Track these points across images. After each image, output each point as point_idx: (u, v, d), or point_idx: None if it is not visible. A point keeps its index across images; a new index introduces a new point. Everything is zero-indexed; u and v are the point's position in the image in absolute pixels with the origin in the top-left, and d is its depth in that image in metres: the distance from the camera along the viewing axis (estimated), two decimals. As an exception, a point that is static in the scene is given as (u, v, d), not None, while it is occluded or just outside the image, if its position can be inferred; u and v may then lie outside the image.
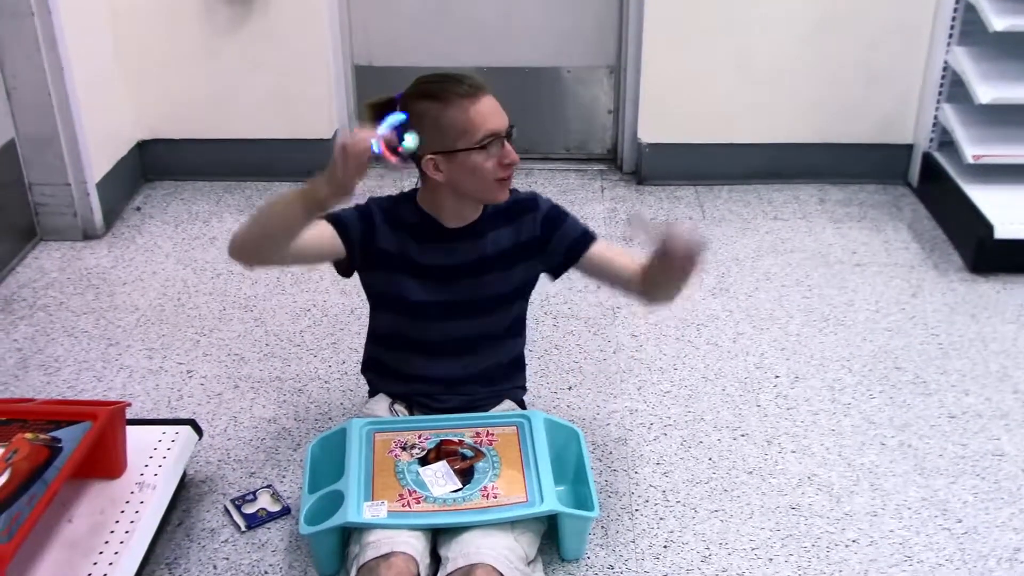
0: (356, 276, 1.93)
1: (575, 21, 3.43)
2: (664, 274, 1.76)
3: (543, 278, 2.00)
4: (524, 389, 2.10)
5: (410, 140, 1.65)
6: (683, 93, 3.35)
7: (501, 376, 2.01)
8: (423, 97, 1.72)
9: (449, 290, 1.89)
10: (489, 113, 1.72)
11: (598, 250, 1.90)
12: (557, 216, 1.92)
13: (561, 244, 1.90)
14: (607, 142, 3.64)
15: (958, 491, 2.04)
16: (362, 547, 1.65)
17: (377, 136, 1.57)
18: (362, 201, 1.87)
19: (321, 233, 1.77)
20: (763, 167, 3.45)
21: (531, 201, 1.92)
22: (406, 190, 1.91)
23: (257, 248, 1.69)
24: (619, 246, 1.97)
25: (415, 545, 1.65)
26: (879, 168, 3.46)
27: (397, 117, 1.65)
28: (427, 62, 3.48)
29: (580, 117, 3.61)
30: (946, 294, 2.78)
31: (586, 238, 1.90)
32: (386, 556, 1.61)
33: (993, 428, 2.23)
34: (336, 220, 1.81)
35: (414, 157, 1.73)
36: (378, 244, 1.85)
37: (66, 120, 2.88)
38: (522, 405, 2.06)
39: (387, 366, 1.99)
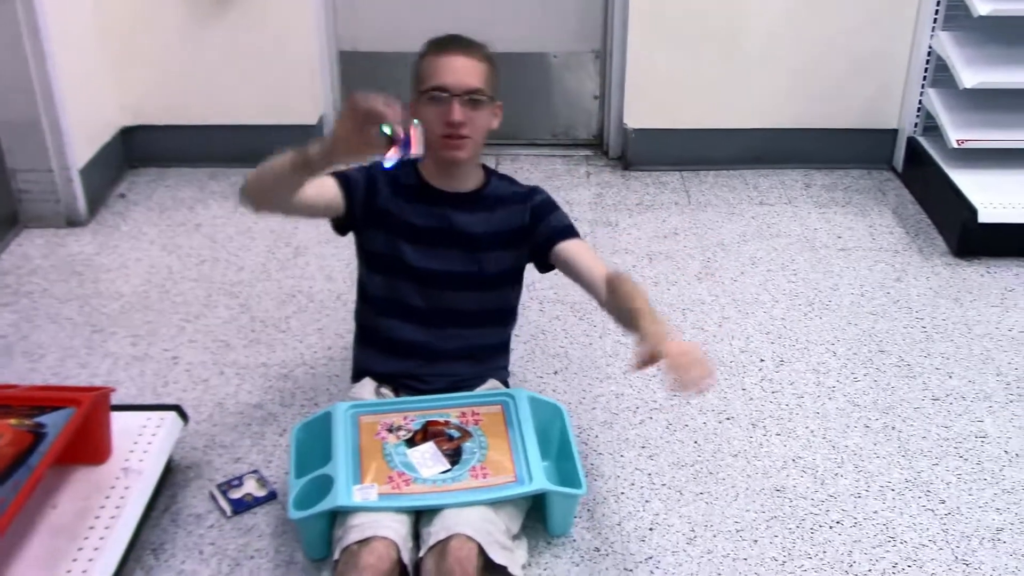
0: (338, 250, 1.95)
1: (560, 6, 3.42)
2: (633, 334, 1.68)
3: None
4: (508, 371, 2.11)
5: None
6: (669, 78, 3.35)
7: (485, 356, 2.03)
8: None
9: (441, 258, 1.93)
10: (445, 69, 1.80)
11: (573, 246, 1.93)
12: (547, 207, 1.98)
13: (543, 233, 1.95)
14: (593, 127, 3.64)
15: (941, 472, 2.05)
16: (346, 530, 1.65)
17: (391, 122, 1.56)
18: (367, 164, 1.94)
19: (325, 186, 1.85)
20: (749, 152, 3.46)
21: (529, 192, 1.99)
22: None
23: (258, 195, 1.77)
24: (595, 254, 1.97)
25: (397, 529, 1.65)
26: (864, 153, 3.47)
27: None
28: (413, 47, 3.42)
29: (566, 102, 3.60)
30: (930, 278, 2.79)
31: (566, 232, 1.95)
32: (367, 540, 1.62)
33: (976, 410, 2.24)
34: (343, 176, 1.89)
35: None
36: (379, 203, 1.92)
37: (49, 106, 2.85)
38: (506, 385, 2.07)
39: (377, 332, 2.00)
